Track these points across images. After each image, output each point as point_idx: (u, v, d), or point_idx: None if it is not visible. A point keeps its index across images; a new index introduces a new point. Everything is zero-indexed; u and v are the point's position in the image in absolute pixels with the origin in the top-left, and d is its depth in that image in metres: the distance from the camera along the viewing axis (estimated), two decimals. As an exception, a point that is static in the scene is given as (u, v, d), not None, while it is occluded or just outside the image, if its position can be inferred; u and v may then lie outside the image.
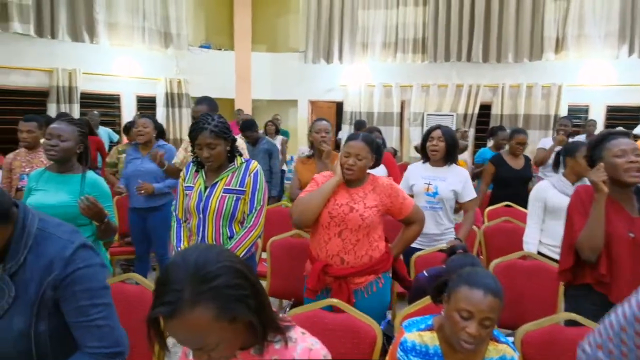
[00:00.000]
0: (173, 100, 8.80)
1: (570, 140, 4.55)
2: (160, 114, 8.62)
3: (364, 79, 9.09)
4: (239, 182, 2.27)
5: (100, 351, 1.24)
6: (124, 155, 4.04)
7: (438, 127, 2.94)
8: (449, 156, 2.92)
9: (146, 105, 8.61)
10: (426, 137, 2.98)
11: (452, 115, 8.54)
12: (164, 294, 0.89)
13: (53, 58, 7.20)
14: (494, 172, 4.21)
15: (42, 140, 3.50)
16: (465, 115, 8.54)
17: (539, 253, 2.76)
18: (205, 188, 2.26)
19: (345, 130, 9.23)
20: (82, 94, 7.50)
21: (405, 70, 8.84)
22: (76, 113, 7.26)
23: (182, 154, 3.46)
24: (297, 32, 10.06)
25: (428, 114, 8.66)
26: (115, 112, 8.28)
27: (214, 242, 2.24)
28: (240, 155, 2.36)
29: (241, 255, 2.23)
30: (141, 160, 3.64)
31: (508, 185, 4.18)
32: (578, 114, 8.03)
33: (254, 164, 2.34)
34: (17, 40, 6.80)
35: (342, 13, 9.05)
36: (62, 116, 4.44)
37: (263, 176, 2.35)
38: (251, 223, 2.28)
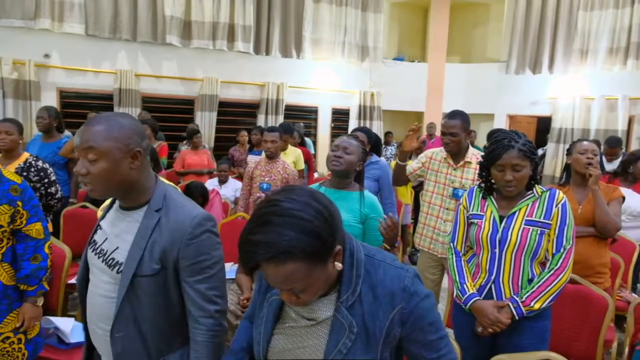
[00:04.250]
0: (365, 112, 8.86)
1: None
2: (353, 127, 8.74)
3: (579, 90, 7.91)
4: (543, 213, 1.85)
5: None
6: None
7: None
8: None
9: (340, 117, 8.83)
10: None
11: None
12: None
13: (265, 73, 7.83)
14: None
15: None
16: None
17: None
18: (501, 218, 1.90)
19: (552, 149, 8.15)
20: (286, 106, 8.00)
21: (638, 80, 7.40)
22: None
23: (417, 165, 3.03)
24: (497, 41, 9.32)
25: (668, 133, 7.10)
26: (312, 123, 8.66)
27: (511, 284, 1.86)
28: (538, 183, 1.94)
29: (544, 305, 1.81)
30: None
31: None
32: None
33: (561, 194, 1.89)
34: (238, 58, 7.57)
35: (556, 17, 8.03)
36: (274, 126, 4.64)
37: (571, 209, 1.89)
38: (558, 265, 1.83)
